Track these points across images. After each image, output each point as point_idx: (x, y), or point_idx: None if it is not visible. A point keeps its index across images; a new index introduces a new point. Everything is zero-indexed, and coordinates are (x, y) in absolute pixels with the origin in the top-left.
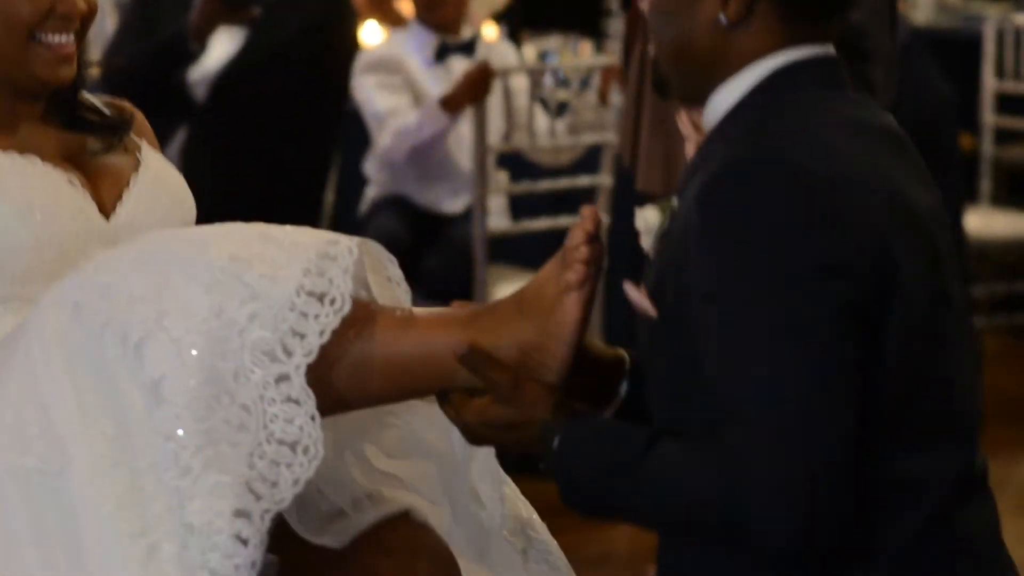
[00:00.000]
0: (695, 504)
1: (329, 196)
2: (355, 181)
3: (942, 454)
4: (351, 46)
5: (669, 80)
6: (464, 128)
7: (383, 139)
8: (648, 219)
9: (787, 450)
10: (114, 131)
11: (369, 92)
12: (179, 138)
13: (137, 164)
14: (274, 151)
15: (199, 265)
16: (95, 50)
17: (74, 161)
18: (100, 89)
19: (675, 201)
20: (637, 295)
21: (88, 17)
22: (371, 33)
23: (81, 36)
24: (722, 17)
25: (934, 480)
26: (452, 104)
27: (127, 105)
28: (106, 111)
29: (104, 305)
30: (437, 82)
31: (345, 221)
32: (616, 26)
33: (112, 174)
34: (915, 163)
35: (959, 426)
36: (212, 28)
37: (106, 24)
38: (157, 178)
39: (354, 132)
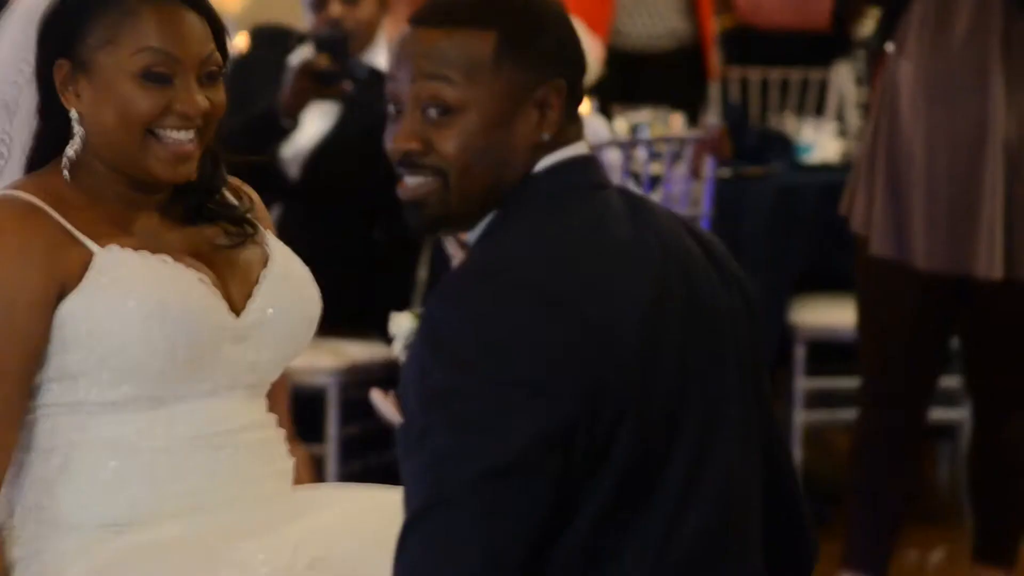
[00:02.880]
0: None
1: (422, 273)
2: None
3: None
4: None
5: (453, 209)
6: None
7: None
8: (401, 325)
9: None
10: (240, 223)
11: None
12: (272, 214)
13: (265, 258)
14: (366, 228)
15: None
16: None
17: (201, 254)
18: None
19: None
20: (382, 401)
21: (213, 114)
22: None
23: (205, 134)
24: (545, 136)
25: None
26: None
27: (249, 190)
28: (235, 202)
29: None
30: None
31: None
32: (714, 93)
33: (240, 268)
34: (668, 264)
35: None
36: (304, 104)
37: None
38: (285, 274)
39: None
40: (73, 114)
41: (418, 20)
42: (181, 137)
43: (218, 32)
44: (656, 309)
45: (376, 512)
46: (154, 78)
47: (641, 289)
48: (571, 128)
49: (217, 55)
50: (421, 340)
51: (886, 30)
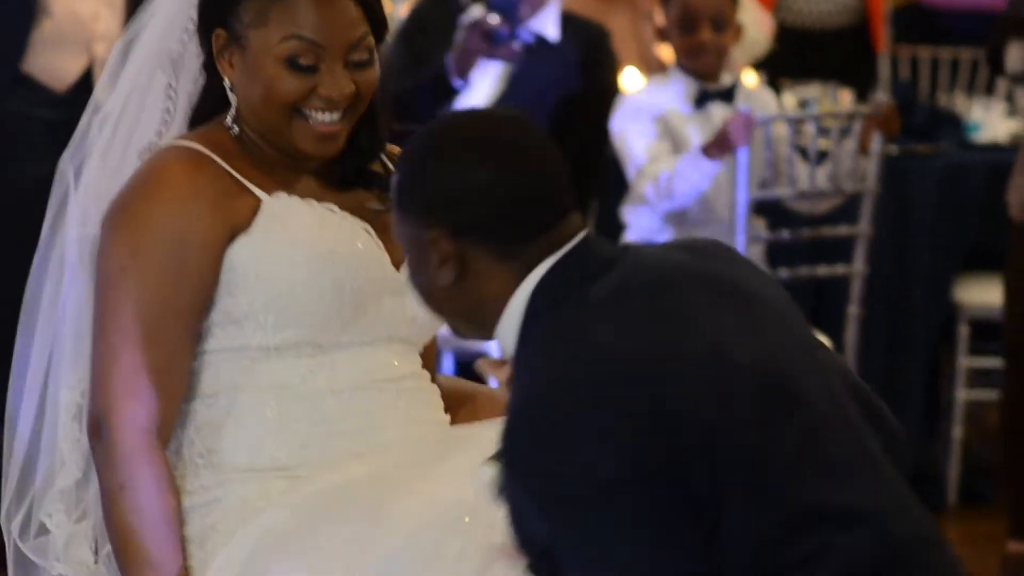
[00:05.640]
0: None
1: None
2: (612, 226)
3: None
4: (610, 91)
5: (449, 326)
6: (723, 176)
7: (641, 185)
8: (486, 477)
9: None
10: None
11: (628, 138)
12: None
13: None
14: None
15: None
16: None
17: (360, 213)
18: None
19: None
20: (504, 553)
21: (362, 96)
22: (631, 79)
23: (353, 113)
24: (440, 280)
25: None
26: (712, 151)
27: None
28: (391, 167)
29: None
30: (697, 129)
31: None
32: (884, 71)
33: None
34: (700, 296)
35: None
36: (473, 62)
37: None
38: None
39: (612, 177)
40: (227, 82)
41: None
42: (326, 118)
43: (372, 10)
44: (711, 357)
45: None
46: (299, 67)
47: (695, 345)
48: (539, 243)
49: (370, 38)
50: (509, 479)
51: None
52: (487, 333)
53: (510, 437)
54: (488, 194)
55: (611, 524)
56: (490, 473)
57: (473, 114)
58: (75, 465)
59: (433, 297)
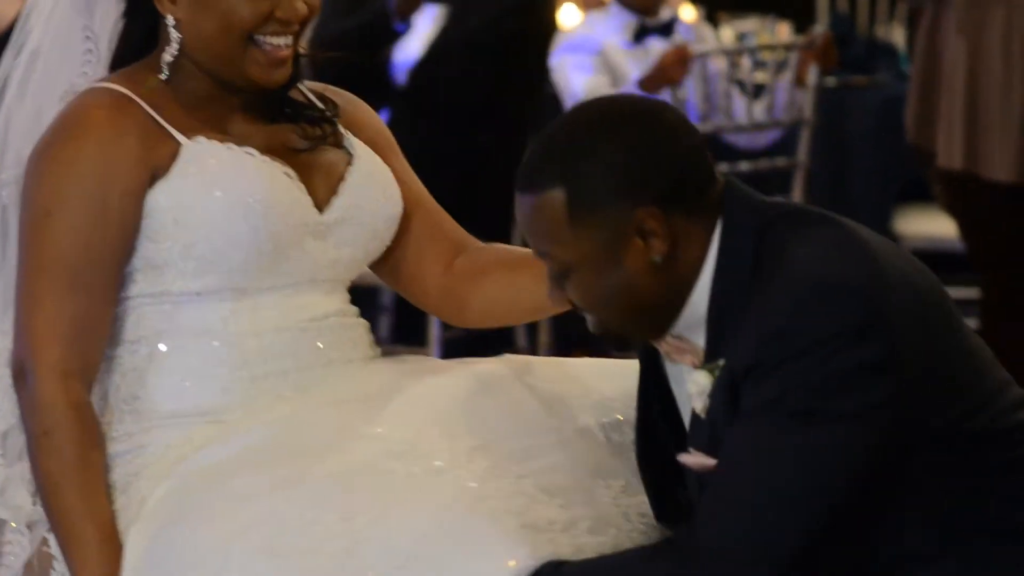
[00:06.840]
0: None
1: None
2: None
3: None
4: (549, 28)
5: (632, 334)
6: None
7: None
8: (700, 382)
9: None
10: (319, 124)
11: (567, 73)
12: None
13: (349, 158)
14: (471, 134)
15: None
16: None
17: (285, 153)
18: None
19: (722, 362)
20: (694, 459)
21: (309, 18)
22: (569, 15)
23: (299, 37)
24: (656, 258)
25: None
26: (650, 85)
27: (335, 96)
28: (318, 104)
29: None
30: (635, 63)
31: None
32: (822, 3)
33: (323, 167)
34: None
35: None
36: (416, 6)
37: None
38: (369, 173)
39: (552, 113)
40: (169, 20)
41: (516, 186)
42: (279, 43)
43: None
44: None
45: (467, 381)
46: None
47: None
48: (711, 194)
49: None
50: (789, 357)
51: None
52: (675, 313)
53: (788, 314)
54: (672, 158)
55: (863, 406)
56: (706, 380)
57: (594, 102)
58: (9, 411)
59: (630, 291)
